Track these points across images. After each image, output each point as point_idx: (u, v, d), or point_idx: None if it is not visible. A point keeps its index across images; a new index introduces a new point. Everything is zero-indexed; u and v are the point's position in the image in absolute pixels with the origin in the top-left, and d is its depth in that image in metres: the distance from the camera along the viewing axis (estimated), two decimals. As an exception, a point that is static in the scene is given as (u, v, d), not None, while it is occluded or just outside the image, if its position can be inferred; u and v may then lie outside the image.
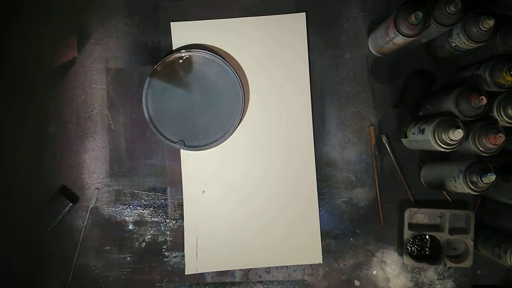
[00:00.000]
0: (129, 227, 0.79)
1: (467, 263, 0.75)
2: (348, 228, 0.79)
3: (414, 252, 0.77)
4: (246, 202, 0.78)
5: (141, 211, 0.79)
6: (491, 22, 0.62)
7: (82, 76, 0.78)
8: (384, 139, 0.78)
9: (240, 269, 0.78)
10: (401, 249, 0.77)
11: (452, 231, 0.75)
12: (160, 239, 0.78)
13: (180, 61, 0.76)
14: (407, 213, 0.76)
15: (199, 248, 0.78)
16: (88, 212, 0.78)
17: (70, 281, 0.77)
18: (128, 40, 0.78)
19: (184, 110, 0.76)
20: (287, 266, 0.78)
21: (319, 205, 0.78)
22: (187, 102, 0.76)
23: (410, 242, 0.77)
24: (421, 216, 0.77)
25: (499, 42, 0.71)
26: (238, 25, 0.78)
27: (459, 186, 0.66)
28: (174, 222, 0.79)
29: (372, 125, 0.79)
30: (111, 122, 0.78)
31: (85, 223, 0.78)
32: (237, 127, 0.76)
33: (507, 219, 0.74)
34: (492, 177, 0.62)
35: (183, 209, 0.78)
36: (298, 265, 0.78)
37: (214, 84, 0.76)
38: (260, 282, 0.78)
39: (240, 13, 0.78)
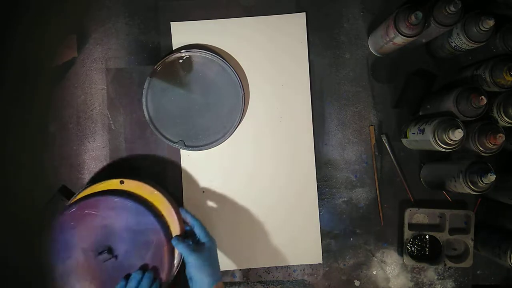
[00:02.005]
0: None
1: (467, 263, 0.75)
2: (348, 228, 0.79)
3: (414, 252, 0.77)
4: (245, 202, 0.78)
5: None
6: (491, 22, 0.62)
7: (82, 76, 0.78)
8: (384, 139, 0.78)
9: (240, 269, 0.78)
10: (401, 249, 0.77)
11: (452, 231, 0.75)
12: (160, 239, 0.78)
13: (180, 61, 0.76)
14: (407, 213, 0.76)
15: (199, 248, 0.78)
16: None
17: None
18: (128, 40, 0.78)
19: (184, 110, 0.76)
20: (287, 266, 0.78)
21: (319, 205, 0.78)
22: (187, 102, 0.76)
23: (410, 242, 0.77)
24: (421, 216, 0.77)
25: (499, 42, 0.71)
26: (238, 25, 0.78)
27: (459, 186, 0.66)
28: (174, 222, 0.78)
29: (372, 125, 0.79)
30: (111, 122, 0.78)
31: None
32: (237, 127, 0.76)
33: (507, 219, 0.74)
34: (492, 177, 0.62)
35: (183, 209, 0.78)
36: (298, 265, 0.78)
37: (214, 84, 0.76)
38: (260, 282, 0.78)
39: (240, 13, 0.78)
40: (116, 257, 0.66)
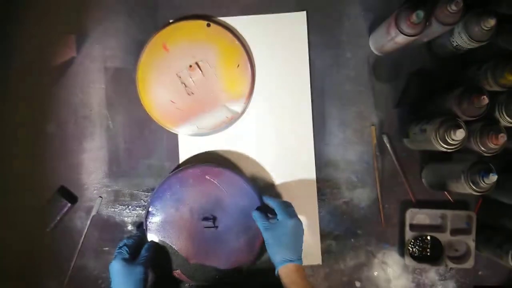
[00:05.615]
0: (128, 227, 0.78)
1: (469, 264, 0.74)
2: (349, 229, 0.78)
3: (415, 253, 0.77)
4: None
5: (140, 211, 0.78)
6: (493, 21, 0.61)
7: (81, 75, 0.78)
8: (385, 139, 0.77)
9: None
10: (402, 250, 0.76)
11: (454, 232, 0.75)
12: (159, 240, 0.78)
13: None
14: (408, 214, 0.75)
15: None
16: (89, 220, 0.77)
17: (67, 281, 0.76)
18: (127, 39, 0.78)
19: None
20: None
21: (320, 205, 0.77)
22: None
23: (412, 243, 0.77)
24: (422, 216, 0.77)
25: (501, 41, 0.70)
26: (237, 24, 0.77)
27: (461, 186, 0.66)
28: (173, 222, 0.78)
29: (373, 125, 0.78)
30: (109, 122, 0.78)
31: (85, 230, 0.77)
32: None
33: (508, 219, 0.74)
34: (493, 177, 0.62)
35: (182, 209, 0.77)
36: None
37: None
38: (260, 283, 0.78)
39: (239, 12, 0.77)
40: (216, 227, 0.70)
